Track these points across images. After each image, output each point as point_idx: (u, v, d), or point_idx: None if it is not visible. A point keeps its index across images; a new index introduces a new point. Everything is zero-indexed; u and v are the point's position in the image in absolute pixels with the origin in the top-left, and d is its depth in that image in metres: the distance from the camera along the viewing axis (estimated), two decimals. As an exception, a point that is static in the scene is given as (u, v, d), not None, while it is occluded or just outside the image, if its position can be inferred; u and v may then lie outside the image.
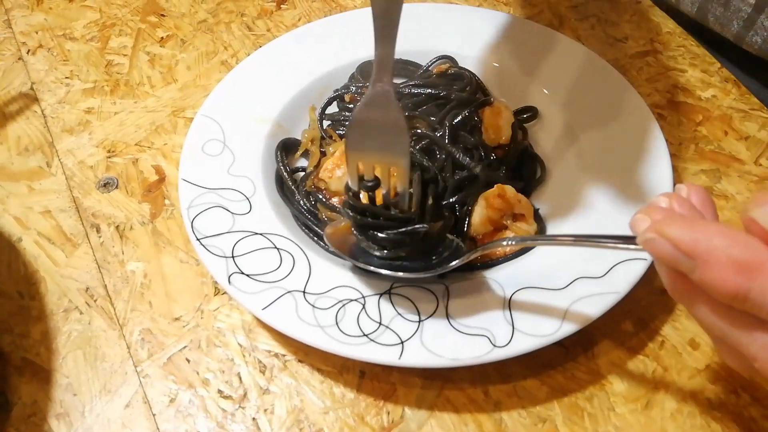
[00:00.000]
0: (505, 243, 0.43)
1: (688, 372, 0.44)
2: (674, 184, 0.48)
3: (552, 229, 0.48)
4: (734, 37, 0.60)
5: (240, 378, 0.44)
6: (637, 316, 0.46)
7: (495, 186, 0.48)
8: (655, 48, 0.65)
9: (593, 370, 0.44)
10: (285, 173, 0.52)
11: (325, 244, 0.47)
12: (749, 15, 0.57)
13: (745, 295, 0.25)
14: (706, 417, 0.42)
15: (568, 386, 0.43)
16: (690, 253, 0.26)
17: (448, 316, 0.42)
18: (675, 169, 0.54)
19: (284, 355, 0.45)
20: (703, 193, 0.31)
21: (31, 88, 0.63)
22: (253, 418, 0.42)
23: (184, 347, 0.45)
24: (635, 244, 0.29)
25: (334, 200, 0.49)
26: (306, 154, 0.55)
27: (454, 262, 0.42)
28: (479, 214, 0.47)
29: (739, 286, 0.25)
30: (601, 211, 0.47)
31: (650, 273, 0.46)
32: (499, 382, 0.43)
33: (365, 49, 0.59)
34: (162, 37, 0.68)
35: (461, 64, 0.58)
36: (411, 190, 0.43)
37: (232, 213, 0.47)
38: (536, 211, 0.49)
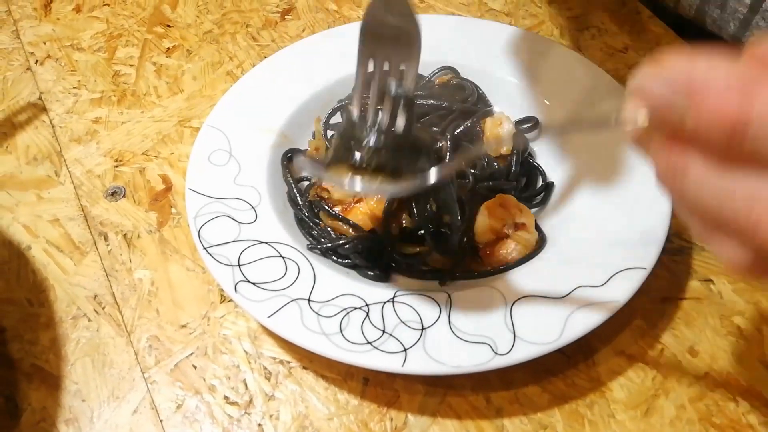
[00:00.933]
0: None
1: (688, 379, 0.44)
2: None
3: (553, 238, 0.49)
4: (731, 38, 0.61)
5: (246, 384, 0.45)
6: (636, 324, 0.47)
7: (496, 195, 0.49)
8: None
9: (594, 378, 0.45)
10: (290, 183, 0.52)
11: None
12: (745, 16, 0.58)
13: (746, 124, 0.22)
14: (705, 424, 0.42)
15: (569, 393, 0.44)
16: (686, 88, 0.23)
17: (450, 324, 0.43)
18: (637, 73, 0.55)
19: (289, 362, 0.46)
20: None
21: (40, 98, 0.64)
22: (259, 424, 0.43)
23: (191, 354, 0.46)
24: (624, 123, 0.27)
25: (337, 209, 0.50)
26: (310, 163, 0.56)
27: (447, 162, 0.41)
28: (481, 223, 0.48)
29: (739, 109, 0.22)
30: (602, 220, 0.48)
31: (650, 281, 0.46)
32: (501, 389, 0.44)
33: (369, 60, 0.60)
34: (168, 48, 0.69)
35: (463, 75, 0.59)
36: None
37: (238, 222, 0.48)
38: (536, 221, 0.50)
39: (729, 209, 0.24)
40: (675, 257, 0.50)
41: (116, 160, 0.59)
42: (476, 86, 0.58)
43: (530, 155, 0.55)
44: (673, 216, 0.51)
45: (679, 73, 0.24)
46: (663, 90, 0.24)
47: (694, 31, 0.67)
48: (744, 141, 0.23)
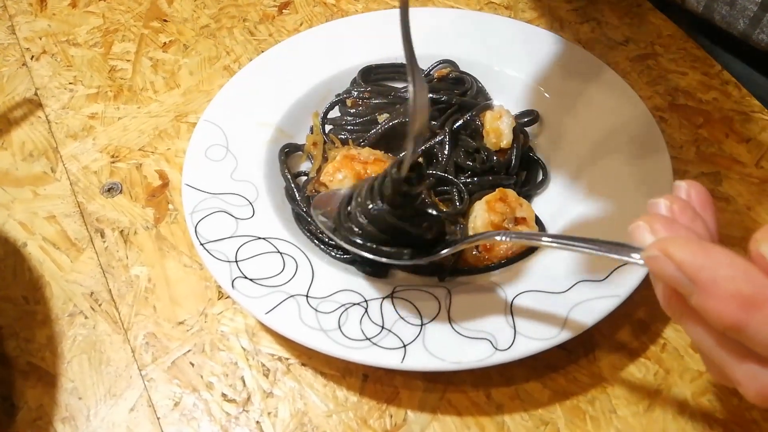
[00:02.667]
0: (499, 238, 0.40)
1: (690, 374, 0.44)
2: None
3: (552, 232, 0.48)
4: (740, 35, 0.60)
5: (244, 381, 0.44)
6: (638, 319, 0.47)
7: (497, 190, 0.49)
8: (656, 51, 0.66)
9: (595, 373, 0.44)
10: (287, 178, 0.52)
11: (328, 249, 0.48)
12: (755, 14, 0.57)
13: (742, 329, 0.25)
14: (707, 419, 0.42)
15: (570, 389, 0.43)
16: (693, 278, 0.26)
17: (450, 320, 0.42)
18: (676, 172, 0.54)
19: (288, 359, 0.45)
20: (703, 194, 0.30)
21: (35, 94, 0.64)
22: (257, 422, 0.42)
23: (188, 351, 0.46)
24: (635, 256, 0.29)
25: (337, 204, 0.49)
26: (308, 158, 0.55)
27: (445, 251, 0.41)
28: (481, 218, 0.47)
29: (737, 319, 0.25)
30: (602, 214, 0.48)
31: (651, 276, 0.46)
32: (502, 385, 0.44)
33: (367, 53, 0.60)
34: (165, 43, 0.68)
35: (462, 68, 0.59)
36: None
37: (236, 218, 0.48)
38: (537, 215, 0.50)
39: (719, 361, 0.28)
40: (677, 251, 0.50)
41: (113, 156, 0.58)
42: (476, 79, 0.58)
43: (530, 149, 0.55)
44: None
45: (689, 261, 0.26)
46: (673, 271, 0.27)
47: (702, 28, 0.66)
48: (739, 336, 0.26)
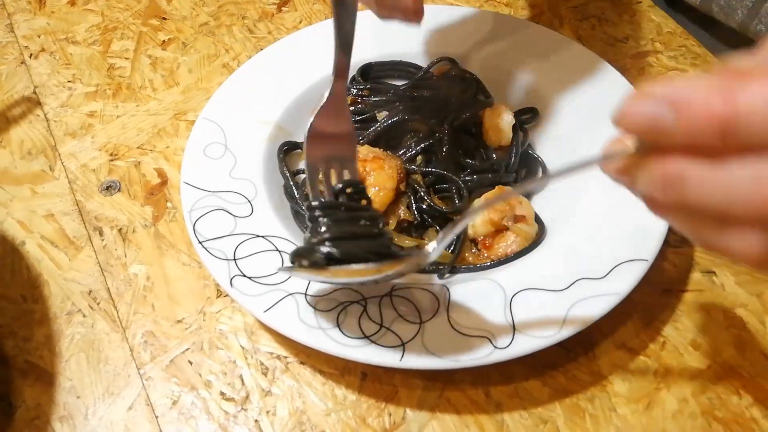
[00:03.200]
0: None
1: (690, 373, 0.44)
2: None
3: (553, 230, 0.48)
4: (739, 26, 0.60)
5: (242, 380, 0.44)
6: (638, 316, 0.46)
7: (496, 188, 0.49)
8: (656, 48, 0.65)
9: (595, 371, 0.44)
10: (286, 176, 0.52)
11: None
12: (754, 3, 0.57)
13: (735, 118, 0.23)
14: (707, 417, 0.42)
15: (570, 387, 0.43)
16: (672, 99, 0.24)
17: (449, 318, 0.42)
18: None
19: (286, 357, 0.45)
20: None
21: (34, 92, 0.64)
22: (256, 420, 0.42)
23: (187, 349, 0.46)
24: (612, 155, 0.27)
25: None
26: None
27: (431, 246, 0.36)
28: (481, 215, 0.47)
29: (725, 109, 0.23)
30: (601, 212, 0.47)
31: (651, 273, 0.46)
32: (501, 383, 0.44)
33: (366, 51, 0.59)
34: (164, 41, 0.68)
35: (462, 66, 0.58)
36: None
37: (234, 216, 0.48)
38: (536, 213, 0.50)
39: (736, 196, 0.24)
40: (677, 249, 0.50)
41: (111, 154, 0.58)
42: (475, 77, 0.57)
43: (530, 146, 0.55)
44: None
45: (661, 92, 0.24)
46: (647, 108, 0.24)
47: (702, 22, 0.66)
48: (736, 134, 0.23)
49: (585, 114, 0.54)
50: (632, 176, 0.27)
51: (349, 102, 0.56)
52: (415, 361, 0.40)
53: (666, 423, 0.42)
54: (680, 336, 0.46)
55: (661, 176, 0.26)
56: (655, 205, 0.28)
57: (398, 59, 0.59)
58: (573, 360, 0.45)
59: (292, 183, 0.51)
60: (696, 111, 0.23)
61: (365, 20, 0.62)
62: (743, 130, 0.23)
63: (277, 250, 0.46)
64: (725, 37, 0.65)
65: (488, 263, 0.47)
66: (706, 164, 0.24)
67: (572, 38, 0.62)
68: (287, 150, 0.54)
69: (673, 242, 0.50)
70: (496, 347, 0.40)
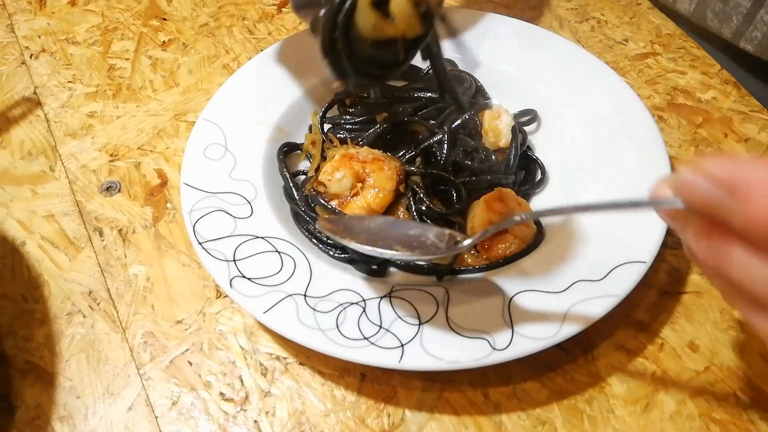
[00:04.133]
0: (518, 218, 0.38)
1: (688, 374, 0.44)
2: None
3: (551, 231, 0.48)
4: (733, 33, 0.60)
5: (242, 381, 0.44)
6: (636, 318, 0.47)
7: (495, 189, 0.49)
8: (655, 50, 0.65)
9: (593, 373, 0.44)
10: (286, 177, 0.52)
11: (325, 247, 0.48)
12: (749, 10, 0.57)
13: None
14: (705, 419, 0.42)
15: (568, 389, 0.44)
16: (730, 186, 0.24)
17: (448, 320, 0.42)
18: (674, 171, 0.55)
19: (285, 358, 0.45)
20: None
21: (34, 93, 0.64)
22: (255, 421, 0.43)
23: (187, 350, 0.46)
24: (661, 199, 0.27)
25: (334, 203, 0.49)
26: (307, 157, 0.55)
27: (467, 242, 0.38)
28: (480, 217, 0.47)
29: None
30: (600, 214, 0.47)
31: (649, 275, 0.46)
32: (499, 385, 0.44)
33: (366, 52, 0.59)
34: (164, 41, 0.68)
35: (461, 67, 0.59)
36: None
37: (234, 217, 0.48)
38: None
39: None
40: (675, 251, 0.50)
41: (111, 155, 0.58)
42: (474, 78, 0.57)
43: (529, 148, 0.55)
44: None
45: (722, 171, 0.24)
46: (707, 187, 0.25)
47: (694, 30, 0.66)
48: None
49: (584, 116, 0.54)
50: (680, 225, 0.28)
51: (349, 103, 0.56)
52: (414, 362, 0.40)
53: (664, 424, 0.42)
54: (678, 338, 0.46)
55: (707, 245, 0.26)
56: (693, 256, 0.28)
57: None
58: (571, 361, 0.45)
59: (291, 184, 0.52)
60: (756, 208, 0.23)
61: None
62: None
63: (277, 251, 0.46)
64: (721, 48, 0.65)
65: (487, 265, 0.47)
66: (756, 255, 0.25)
67: (571, 40, 0.63)
68: (287, 151, 0.54)
69: (671, 244, 0.50)
70: (494, 348, 0.40)
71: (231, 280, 0.44)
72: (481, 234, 0.38)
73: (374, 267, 0.47)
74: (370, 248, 0.39)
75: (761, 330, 0.27)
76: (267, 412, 0.43)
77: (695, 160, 0.26)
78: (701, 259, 0.27)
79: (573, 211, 0.33)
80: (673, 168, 0.50)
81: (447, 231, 0.40)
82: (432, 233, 0.41)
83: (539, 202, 0.52)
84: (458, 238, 0.40)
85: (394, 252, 0.39)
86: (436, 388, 0.44)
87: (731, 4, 0.59)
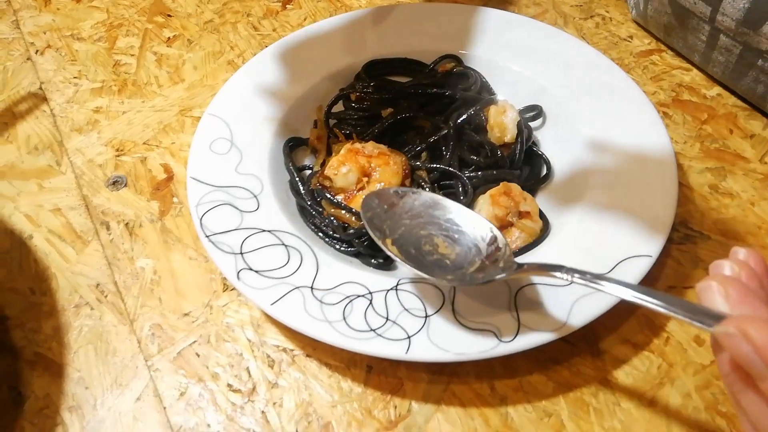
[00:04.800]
0: (559, 275, 0.37)
1: (693, 368, 0.44)
2: (678, 183, 0.48)
3: (557, 226, 0.48)
4: (699, 66, 0.61)
5: (249, 372, 0.44)
6: (641, 312, 0.47)
7: (501, 184, 0.49)
8: (660, 47, 0.66)
9: (599, 366, 0.44)
10: (292, 171, 0.52)
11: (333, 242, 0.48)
12: (704, 51, 0.58)
13: None
14: (711, 412, 0.42)
15: (574, 381, 0.44)
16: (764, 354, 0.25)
17: (454, 312, 0.42)
18: (680, 167, 0.55)
19: (292, 350, 0.45)
20: (762, 264, 0.30)
21: (40, 88, 0.64)
22: (262, 412, 0.43)
23: (194, 342, 0.46)
24: (709, 324, 0.28)
25: (339, 197, 0.49)
26: (313, 152, 0.55)
27: (499, 276, 0.39)
28: (486, 211, 0.48)
29: None
30: (605, 209, 0.48)
31: (656, 270, 0.46)
32: (505, 377, 0.44)
33: (370, 48, 0.60)
34: (169, 38, 0.68)
35: (466, 63, 0.59)
36: None
37: (240, 210, 0.48)
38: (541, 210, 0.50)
39: None
40: (681, 246, 0.50)
41: (117, 150, 0.58)
42: (480, 74, 0.58)
43: (534, 144, 0.55)
44: (679, 204, 0.51)
45: (763, 341, 0.26)
46: (746, 351, 0.26)
47: None
48: None
49: (589, 112, 0.54)
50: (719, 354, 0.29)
51: (353, 99, 0.57)
52: (421, 353, 0.40)
53: (669, 417, 0.42)
54: (684, 332, 0.46)
55: (733, 379, 0.28)
56: (720, 371, 0.29)
57: (403, 57, 0.60)
58: (577, 355, 0.45)
59: (297, 178, 0.52)
60: None
61: (369, 17, 0.63)
62: None
63: (283, 244, 0.46)
64: None
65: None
66: None
67: (576, 37, 0.63)
68: (293, 146, 0.54)
69: (677, 239, 0.50)
70: (500, 341, 0.41)
71: (238, 273, 0.44)
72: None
73: (380, 260, 0.47)
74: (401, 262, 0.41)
75: None
76: (274, 403, 0.43)
77: (741, 318, 0.27)
78: (725, 382, 0.29)
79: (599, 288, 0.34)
80: (678, 165, 0.50)
81: (491, 230, 0.42)
82: (476, 229, 0.42)
83: (545, 196, 0.52)
84: (500, 245, 0.41)
85: (427, 275, 0.41)
86: (443, 380, 0.44)
87: (690, 42, 0.60)
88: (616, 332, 0.46)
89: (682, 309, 0.29)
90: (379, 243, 0.42)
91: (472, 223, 0.43)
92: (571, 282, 0.36)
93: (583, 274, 0.36)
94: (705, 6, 0.55)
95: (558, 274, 0.37)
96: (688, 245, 0.50)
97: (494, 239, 0.42)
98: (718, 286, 0.28)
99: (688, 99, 0.61)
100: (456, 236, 0.43)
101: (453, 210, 0.44)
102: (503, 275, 0.40)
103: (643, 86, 0.61)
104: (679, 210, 0.52)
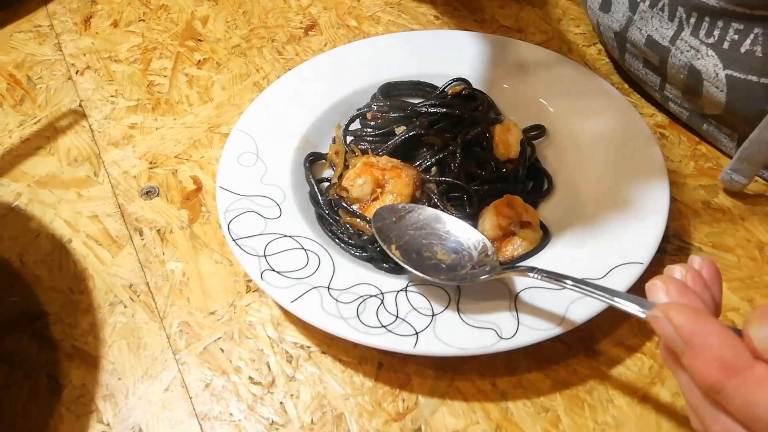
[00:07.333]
0: (531, 275, 0.43)
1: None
2: (670, 198, 0.52)
3: (555, 236, 0.52)
4: (660, 100, 0.64)
5: (269, 366, 0.48)
6: (636, 317, 0.49)
7: (504, 196, 0.53)
8: (659, 72, 0.69)
9: (594, 366, 0.47)
10: (311, 183, 0.56)
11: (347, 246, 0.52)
12: (659, 84, 0.62)
13: (719, 390, 0.29)
14: (698, 410, 0.45)
15: (570, 380, 0.47)
16: (686, 340, 0.30)
17: (459, 311, 0.46)
18: (676, 184, 0.58)
19: (309, 347, 0.49)
20: (714, 269, 0.34)
21: (80, 105, 0.69)
22: (281, 402, 0.46)
23: (219, 338, 0.50)
24: (643, 310, 0.33)
25: (355, 207, 0.53)
26: (331, 166, 0.60)
27: (483, 276, 0.45)
28: (490, 221, 0.51)
29: (716, 381, 0.28)
30: (601, 221, 0.51)
31: (648, 278, 0.49)
32: (506, 375, 0.47)
33: (386, 71, 0.64)
34: (199, 60, 0.74)
35: (475, 86, 0.63)
36: None
37: (264, 217, 0.52)
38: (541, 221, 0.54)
39: (699, 411, 0.31)
40: (675, 257, 0.53)
41: (150, 163, 0.63)
42: (487, 96, 0.62)
43: (537, 160, 0.59)
44: (674, 219, 0.55)
45: (686, 325, 0.30)
46: (669, 331, 0.30)
47: None
48: (717, 396, 0.29)
49: (588, 131, 0.58)
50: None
51: (369, 117, 0.61)
52: (427, 348, 0.44)
53: (659, 414, 0.45)
54: (675, 336, 0.49)
55: (666, 353, 0.33)
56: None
57: (417, 80, 0.64)
58: (574, 356, 0.48)
59: (316, 190, 0.56)
60: (697, 365, 0.29)
61: (385, 43, 0.68)
62: (721, 400, 0.29)
63: (303, 248, 0.50)
64: None
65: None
66: (693, 386, 0.31)
67: (580, 62, 0.67)
68: (312, 160, 0.59)
69: (671, 251, 0.54)
70: (501, 338, 0.44)
71: (262, 273, 0.48)
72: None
73: (392, 265, 0.51)
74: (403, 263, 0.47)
75: (692, 424, 0.33)
76: (292, 395, 0.47)
77: (667, 304, 0.31)
78: (666, 365, 0.33)
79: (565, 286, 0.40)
80: (671, 181, 0.54)
81: (482, 241, 0.48)
82: (470, 239, 0.48)
83: (546, 209, 0.56)
84: (489, 253, 0.47)
85: (423, 275, 0.46)
86: (448, 376, 0.47)
87: (641, 77, 0.63)
88: (611, 336, 0.49)
89: (621, 299, 0.35)
90: (384, 247, 0.48)
91: (467, 235, 0.49)
92: (541, 279, 0.42)
93: (549, 273, 0.42)
94: (655, 77, 0.61)
95: (531, 274, 0.43)
96: (681, 256, 0.53)
97: (485, 248, 0.47)
98: (661, 283, 0.33)
99: (683, 122, 0.64)
100: (452, 245, 0.48)
101: (451, 224, 0.49)
102: (486, 276, 0.45)
103: (641, 109, 0.64)
104: (674, 224, 0.55)
